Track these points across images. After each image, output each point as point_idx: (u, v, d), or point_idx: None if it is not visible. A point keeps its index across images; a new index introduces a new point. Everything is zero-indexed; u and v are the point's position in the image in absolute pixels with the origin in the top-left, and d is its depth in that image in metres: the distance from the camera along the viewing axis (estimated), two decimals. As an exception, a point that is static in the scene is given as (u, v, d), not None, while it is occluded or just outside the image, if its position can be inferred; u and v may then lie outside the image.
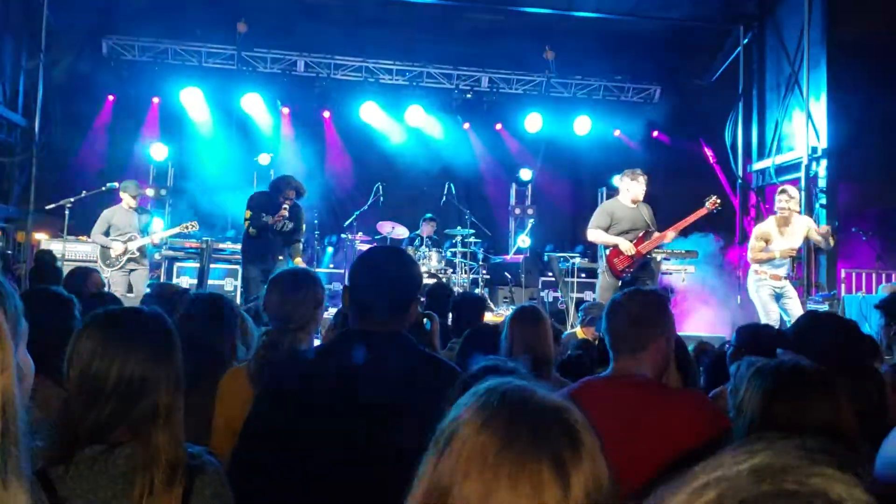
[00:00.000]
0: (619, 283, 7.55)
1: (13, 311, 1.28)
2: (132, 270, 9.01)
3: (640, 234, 7.59)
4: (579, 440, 0.98)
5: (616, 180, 8.18)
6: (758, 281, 7.73)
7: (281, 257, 8.08)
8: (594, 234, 7.71)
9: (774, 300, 7.66)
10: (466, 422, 1.01)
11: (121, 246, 8.89)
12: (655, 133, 13.60)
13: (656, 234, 7.63)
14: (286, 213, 7.96)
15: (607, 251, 7.68)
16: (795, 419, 1.85)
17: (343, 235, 11.90)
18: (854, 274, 9.79)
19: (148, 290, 7.24)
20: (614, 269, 7.57)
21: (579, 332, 6.12)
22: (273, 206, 7.98)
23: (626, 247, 7.49)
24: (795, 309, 7.50)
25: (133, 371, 1.68)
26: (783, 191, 7.73)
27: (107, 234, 8.96)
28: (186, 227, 9.21)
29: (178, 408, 1.72)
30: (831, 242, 7.91)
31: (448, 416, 1.06)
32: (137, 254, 8.97)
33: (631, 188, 7.66)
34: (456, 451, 0.98)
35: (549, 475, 0.93)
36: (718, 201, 7.77)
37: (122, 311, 1.94)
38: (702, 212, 7.72)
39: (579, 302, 9.34)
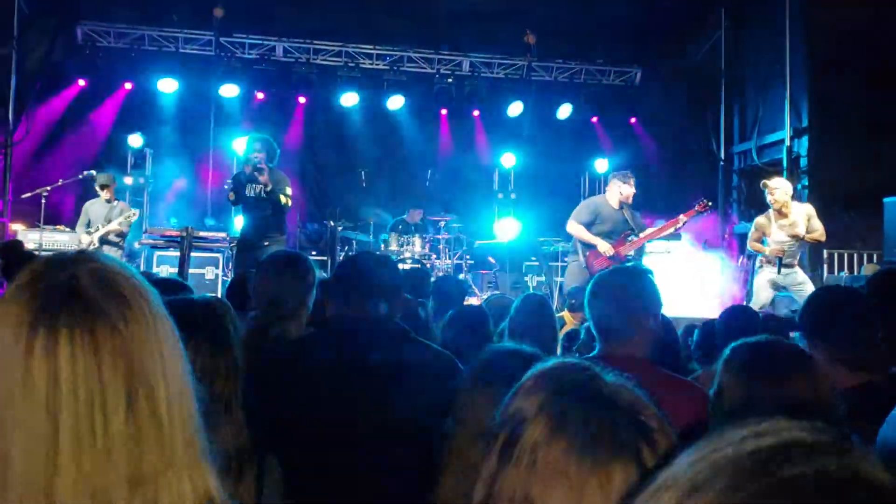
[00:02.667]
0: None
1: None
2: None
3: (623, 235, 7.53)
4: (652, 429, 0.95)
5: (611, 180, 7.96)
6: (760, 266, 7.69)
7: (267, 242, 7.51)
8: (574, 228, 7.63)
9: (772, 287, 7.57)
10: (533, 422, 0.94)
11: (87, 238, 8.88)
12: (633, 119, 13.61)
13: (638, 237, 7.57)
14: (256, 159, 7.43)
15: (588, 250, 7.61)
16: (774, 398, 1.80)
17: (325, 222, 11.80)
18: (836, 254, 9.84)
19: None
20: (591, 269, 7.51)
21: (566, 316, 6.10)
22: (247, 174, 7.61)
23: (605, 248, 7.42)
24: (805, 294, 7.34)
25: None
26: (764, 185, 7.58)
27: (89, 226, 8.99)
28: (128, 217, 9.14)
29: (236, 397, 1.68)
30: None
31: (504, 408, 0.98)
32: (98, 244, 8.87)
33: (623, 190, 7.57)
34: (527, 461, 0.92)
35: (632, 471, 0.91)
36: (710, 204, 7.69)
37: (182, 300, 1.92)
38: (690, 213, 7.64)
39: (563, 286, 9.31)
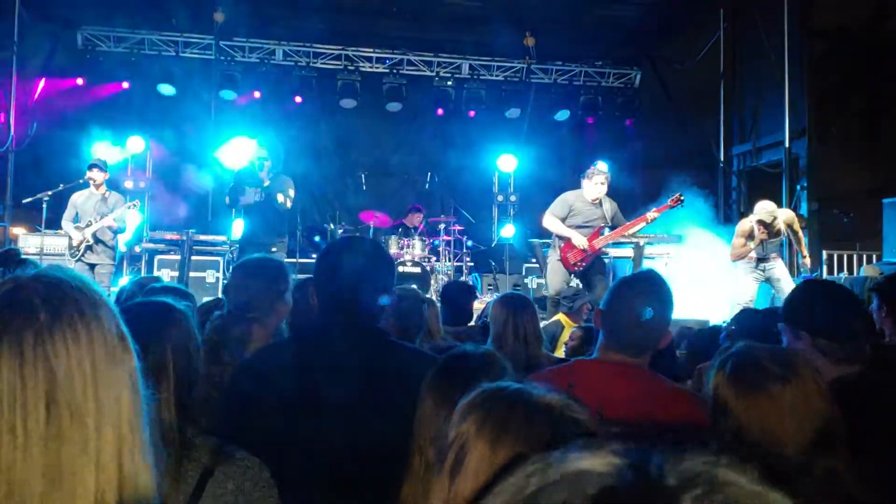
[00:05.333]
0: (570, 275, 7.59)
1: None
2: (93, 265, 8.25)
3: (595, 229, 7.57)
4: (583, 421, 1.03)
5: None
6: (743, 264, 7.83)
7: (275, 249, 7.48)
8: (549, 221, 7.70)
9: (756, 282, 7.77)
10: (476, 439, 1.02)
11: (79, 234, 8.24)
12: (633, 121, 13.64)
13: (611, 231, 7.63)
14: (262, 163, 7.46)
15: (562, 242, 7.66)
16: (751, 410, 1.76)
17: (326, 226, 11.82)
18: (835, 255, 9.85)
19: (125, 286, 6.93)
20: (566, 262, 7.58)
21: (563, 319, 6.09)
22: (251, 176, 7.60)
23: (579, 241, 7.48)
24: (785, 290, 7.56)
25: None
26: (760, 222, 7.60)
27: (77, 220, 8.37)
28: (129, 207, 8.61)
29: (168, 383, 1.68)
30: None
31: (450, 433, 1.06)
32: (92, 241, 8.24)
33: (585, 186, 7.66)
34: (474, 469, 1.00)
35: None
36: (682, 199, 7.74)
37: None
38: (662, 208, 7.68)
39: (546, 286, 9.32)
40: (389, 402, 1.96)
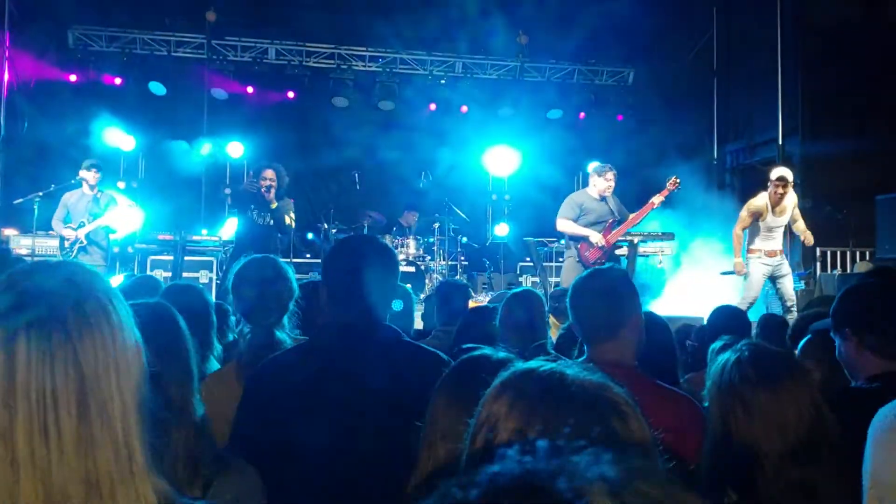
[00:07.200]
0: None
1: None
2: None
3: (607, 224, 7.61)
4: (624, 410, 0.98)
5: (589, 169, 8.14)
6: (753, 258, 7.70)
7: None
8: (564, 224, 7.76)
9: (763, 280, 7.65)
10: (506, 420, 0.98)
11: (71, 233, 8.26)
12: (626, 119, 13.63)
13: (622, 223, 7.68)
14: (267, 183, 7.47)
15: (578, 243, 7.69)
16: (725, 412, 1.75)
17: (319, 225, 11.79)
18: (829, 252, 9.85)
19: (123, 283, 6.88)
20: (586, 262, 7.61)
21: (550, 319, 6.04)
22: (256, 195, 7.62)
23: (597, 238, 7.54)
24: (787, 288, 7.55)
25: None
26: (779, 183, 7.47)
27: (68, 220, 8.38)
28: (130, 208, 8.61)
29: (190, 402, 1.65)
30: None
31: (477, 416, 1.03)
32: (86, 242, 8.26)
33: (598, 184, 7.73)
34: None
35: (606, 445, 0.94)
36: (678, 181, 7.77)
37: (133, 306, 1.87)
38: (664, 193, 7.72)
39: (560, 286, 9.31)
40: (403, 401, 1.95)
